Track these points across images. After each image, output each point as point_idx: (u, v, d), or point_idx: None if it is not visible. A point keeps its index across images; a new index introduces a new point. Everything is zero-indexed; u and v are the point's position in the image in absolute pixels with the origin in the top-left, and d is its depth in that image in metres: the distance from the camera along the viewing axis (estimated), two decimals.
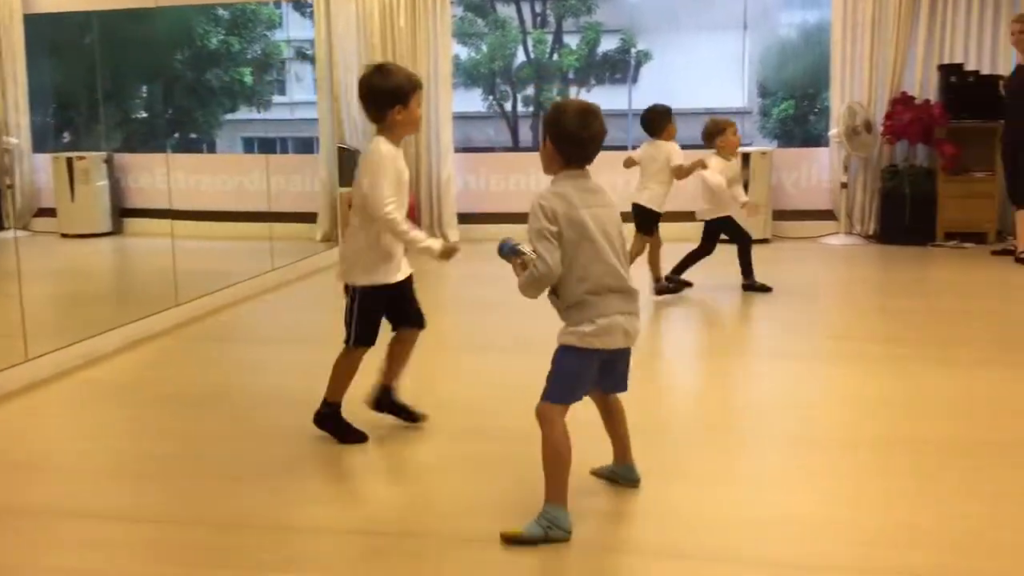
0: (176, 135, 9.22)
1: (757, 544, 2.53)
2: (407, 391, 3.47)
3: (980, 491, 2.87)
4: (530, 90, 17.88)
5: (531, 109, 17.92)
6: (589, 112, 2.56)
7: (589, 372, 2.58)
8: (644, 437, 2.96)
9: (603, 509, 2.76)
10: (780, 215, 7.99)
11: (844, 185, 7.88)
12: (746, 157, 7.78)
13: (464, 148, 11.23)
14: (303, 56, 9.62)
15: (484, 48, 17.40)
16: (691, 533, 2.60)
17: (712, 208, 5.80)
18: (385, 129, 3.16)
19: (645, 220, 5.70)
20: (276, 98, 10.77)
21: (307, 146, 9.02)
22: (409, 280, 3.32)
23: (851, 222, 7.93)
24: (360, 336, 3.21)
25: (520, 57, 17.75)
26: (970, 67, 7.64)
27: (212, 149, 10.13)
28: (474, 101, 17.44)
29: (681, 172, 5.59)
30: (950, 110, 7.49)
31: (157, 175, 7.15)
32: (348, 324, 3.22)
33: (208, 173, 8.10)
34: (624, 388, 2.73)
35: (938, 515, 2.70)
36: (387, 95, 3.11)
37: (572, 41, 17.94)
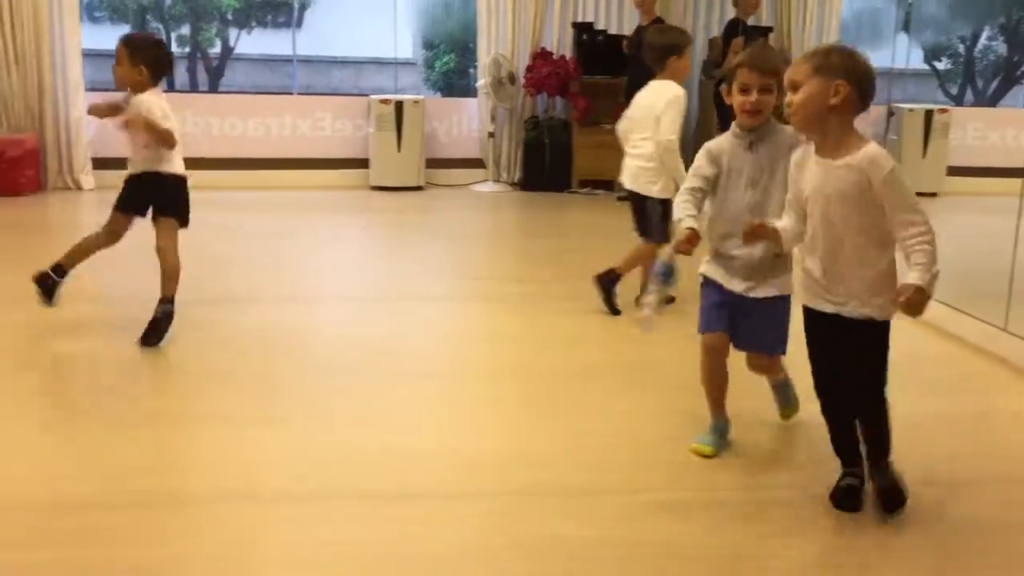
0: None
1: (357, 478, 2.61)
2: None
3: (590, 414, 3.17)
4: (185, 29, 16.80)
5: (187, 50, 16.84)
6: None
7: None
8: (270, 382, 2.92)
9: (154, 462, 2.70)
10: (432, 163, 8.20)
11: (492, 135, 8.23)
12: (400, 105, 7.90)
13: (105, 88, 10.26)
14: None
15: None
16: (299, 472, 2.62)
17: None
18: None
19: None
20: None
21: None
22: None
23: (498, 170, 8.32)
24: None
25: None
26: (600, 26, 8.25)
27: None
28: None
29: None
30: (583, 65, 8.06)
31: None
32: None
33: None
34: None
35: (543, 437, 2.95)
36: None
37: None
